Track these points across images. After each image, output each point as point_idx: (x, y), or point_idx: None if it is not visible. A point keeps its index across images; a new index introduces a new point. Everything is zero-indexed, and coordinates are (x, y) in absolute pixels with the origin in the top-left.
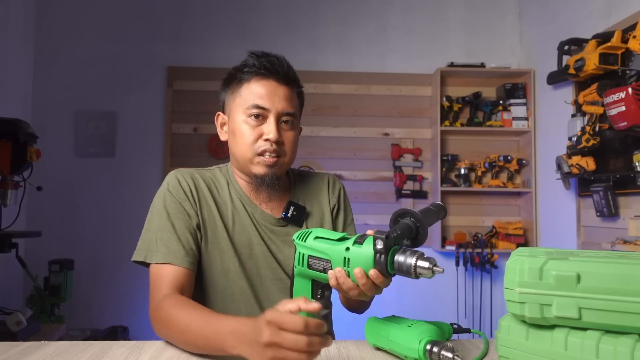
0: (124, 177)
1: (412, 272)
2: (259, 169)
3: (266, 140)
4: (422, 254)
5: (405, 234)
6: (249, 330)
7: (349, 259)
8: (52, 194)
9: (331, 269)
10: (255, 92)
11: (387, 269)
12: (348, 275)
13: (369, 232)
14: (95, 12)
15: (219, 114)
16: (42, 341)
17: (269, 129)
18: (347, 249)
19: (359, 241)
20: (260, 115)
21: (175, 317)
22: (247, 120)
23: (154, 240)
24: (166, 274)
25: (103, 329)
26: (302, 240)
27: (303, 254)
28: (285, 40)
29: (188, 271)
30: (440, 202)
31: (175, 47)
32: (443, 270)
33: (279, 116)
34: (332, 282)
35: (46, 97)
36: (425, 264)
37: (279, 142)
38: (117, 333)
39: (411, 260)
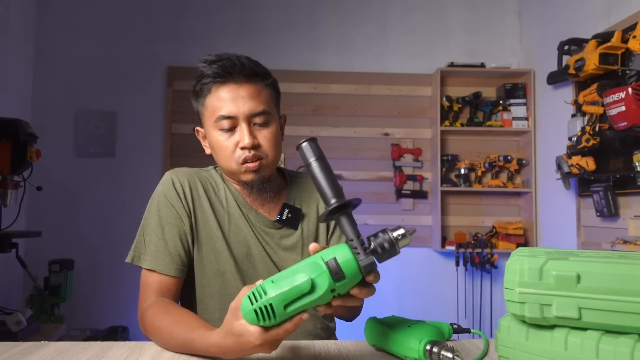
0: (124, 177)
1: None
2: (245, 177)
3: (242, 148)
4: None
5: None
6: (230, 341)
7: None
8: (52, 194)
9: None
10: (218, 101)
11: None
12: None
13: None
14: (96, 12)
15: (197, 130)
16: (42, 341)
17: (242, 136)
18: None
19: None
20: (230, 125)
21: (157, 324)
22: (219, 133)
23: (143, 244)
24: (152, 281)
25: (103, 329)
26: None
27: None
28: (285, 40)
29: (173, 279)
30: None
31: (175, 47)
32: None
33: (248, 119)
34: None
35: (46, 97)
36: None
37: (255, 146)
38: (117, 333)
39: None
